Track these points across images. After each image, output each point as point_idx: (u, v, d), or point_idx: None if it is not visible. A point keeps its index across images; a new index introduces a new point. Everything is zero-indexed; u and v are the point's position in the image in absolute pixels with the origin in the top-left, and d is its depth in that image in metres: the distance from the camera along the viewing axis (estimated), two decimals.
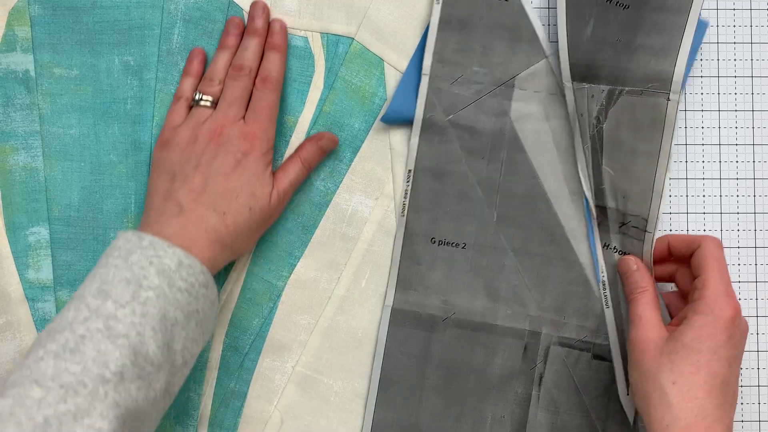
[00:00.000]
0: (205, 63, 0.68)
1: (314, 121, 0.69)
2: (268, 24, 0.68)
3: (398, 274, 0.68)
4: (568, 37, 0.66)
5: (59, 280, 0.68)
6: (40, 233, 0.68)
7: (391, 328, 0.67)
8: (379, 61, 0.69)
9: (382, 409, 0.67)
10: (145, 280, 0.55)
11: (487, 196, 0.67)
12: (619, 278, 0.65)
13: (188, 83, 0.67)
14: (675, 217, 0.69)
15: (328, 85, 0.69)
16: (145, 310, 0.54)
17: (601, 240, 0.66)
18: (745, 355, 0.68)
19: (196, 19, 0.68)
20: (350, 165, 0.69)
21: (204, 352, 0.67)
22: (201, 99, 0.65)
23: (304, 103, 0.69)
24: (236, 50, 0.67)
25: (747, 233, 0.69)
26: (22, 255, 0.68)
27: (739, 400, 0.67)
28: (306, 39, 0.69)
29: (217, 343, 0.68)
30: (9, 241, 0.68)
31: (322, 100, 0.69)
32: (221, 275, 0.68)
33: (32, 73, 0.68)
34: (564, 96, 0.66)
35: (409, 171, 0.68)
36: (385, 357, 0.67)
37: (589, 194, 0.66)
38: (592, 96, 0.65)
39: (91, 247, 0.68)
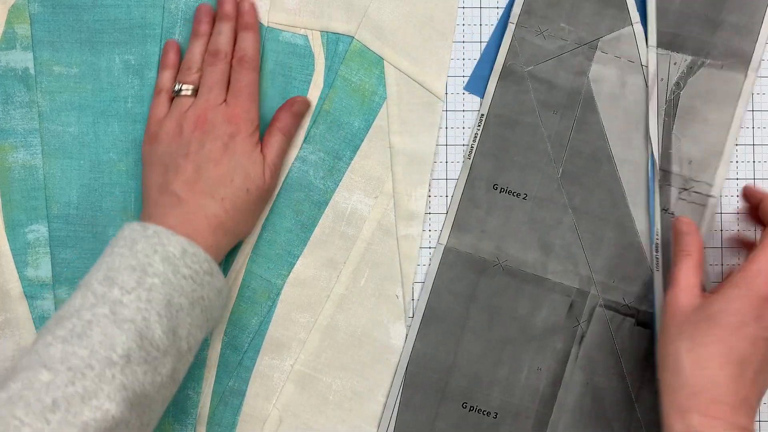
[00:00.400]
0: (181, 53, 0.68)
1: (314, 120, 0.69)
2: (236, 8, 0.68)
3: (456, 215, 0.69)
4: (657, 4, 0.68)
5: (58, 278, 0.68)
6: (39, 231, 0.68)
7: (442, 266, 0.69)
8: (379, 60, 0.69)
9: (422, 343, 0.68)
10: (150, 267, 0.56)
11: (555, 151, 0.69)
12: (671, 243, 0.66)
13: (167, 75, 0.67)
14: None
15: (328, 84, 0.69)
16: (151, 296, 0.55)
17: (661, 203, 0.67)
18: None
19: None
20: (350, 164, 0.69)
21: (202, 350, 0.67)
22: (181, 89, 0.66)
23: None
24: (209, 36, 0.67)
25: (747, 233, 0.69)
26: (21, 253, 0.68)
27: None
28: (306, 37, 0.69)
29: (215, 342, 0.68)
30: (8, 239, 0.68)
31: (322, 99, 0.69)
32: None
33: (32, 71, 0.68)
34: (642, 66, 0.68)
35: (482, 115, 0.69)
36: (432, 293, 0.68)
37: (657, 154, 0.67)
38: (675, 63, 0.68)
39: (90, 245, 0.68)
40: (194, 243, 0.58)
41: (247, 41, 0.67)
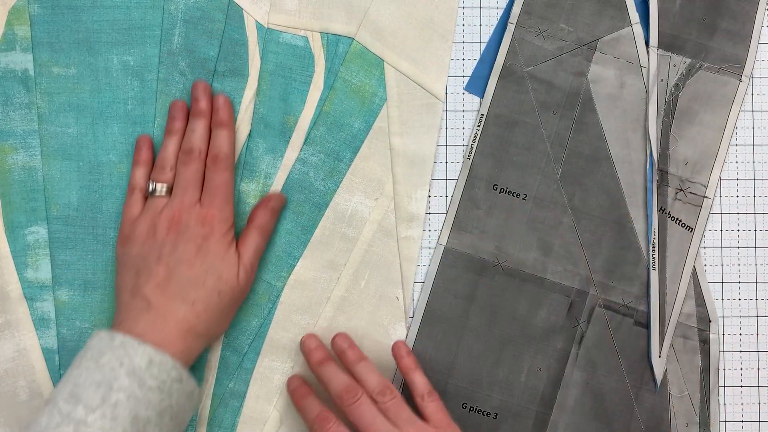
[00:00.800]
0: (153, 149, 0.68)
1: (314, 121, 0.69)
2: (210, 102, 0.67)
3: (455, 215, 0.69)
4: (659, 6, 0.69)
5: (58, 280, 0.68)
6: (38, 232, 0.68)
7: (442, 266, 0.69)
8: (379, 62, 0.69)
9: (422, 343, 0.68)
10: (116, 381, 0.56)
11: (555, 151, 0.69)
12: (667, 243, 0.67)
13: (140, 173, 0.67)
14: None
15: (329, 85, 0.69)
16: (116, 413, 0.55)
17: (658, 204, 0.68)
18: (745, 355, 0.68)
19: (196, 19, 0.68)
20: (350, 165, 0.69)
21: (203, 352, 0.67)
22: (155, 189, 0.65)
23: (305, 103, 0.69)
24: (183, 133, 0.67)
25: (747, 233, 0.69)
26: (20, 254, 0.67)
27: (738, 400, 0.68)
28: (306, 39, 0.69)
29: (216, 344, 0.68)
30: (8, 241, 0.67)
31: (322, 100, 0.69)
32: None
33: (31, 72, 0.68)
34: (641, 67, 0.69)
35: (481, 115, 0.69)
36: (432, 293, 0.69)
37: (655, 154, 0.68)
38: (674, 65, 0.68)
39: (89, 247, 0.68)
40: (162, 351, 0.58)
41: (221, 138, 0.66)
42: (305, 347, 0.66)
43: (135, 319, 0.60)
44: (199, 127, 0.66)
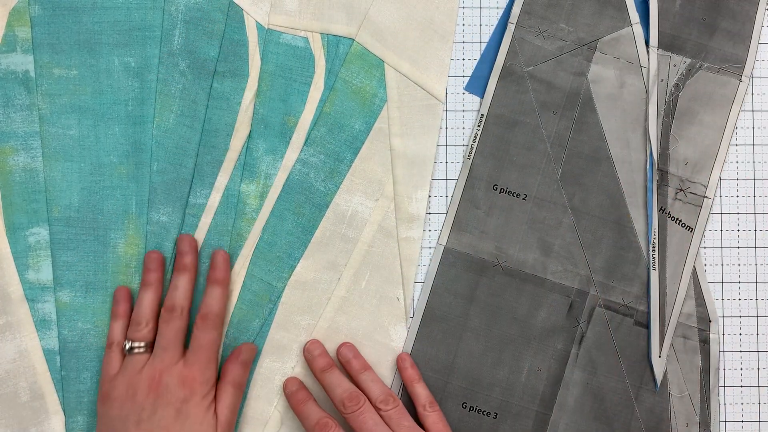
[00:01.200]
0: (132, 300, 0.67)
1: (314, 122, 0.69)
2: (196, 257, 0.67)
3: (455, 215, 0.69)
4: (659, 6, 0.69)
5: (59, 281, 0.68)
6: (40, 234, 0.68)
7: (441, 266, 0.69)
8: (380, 63, 0.69)
9: (422, 343, 0.68)
10: None
11: (555, 151, 0.69)
12: (667, 243, 0.67)
13: (118, 327, 0.66)
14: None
15: (329, 86, 0.69)
16: None
17: (658, 204, 0.68)
18: (745, 355, 0.68)
19: (196, 19, 0.68)
20: (350, 166, 0.69)
21: None
22: (133, 347, 0.64)
23: (305, 104, 0.69)
24: (159, 285, 0.66)
25: (747, 233, 0.69)
26: (22, 255, 0.68)
27: (739, 400, 0.68)
28: (306, 39, 0.69)
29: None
30: (9, 242, 0.67)
31: (323, 101, 0.69)
32: None
33: (32, 74, 0.68)
34: (641, 66, 0.69)
35: (482, 116, 0.69)
36: (432, 293, 0.69)
37: (655, 154, 0.68)
38: (674, 65, 0.68)
39: (91, 248, 0.68)
40: None
41: (214, 297, 0.65)
42: (308, 354, 0.67)
43: None
44: (182, 284, 0.65)
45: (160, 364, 0.63)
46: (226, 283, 0.66)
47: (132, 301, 0.67)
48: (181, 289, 0.65)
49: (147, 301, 0.65)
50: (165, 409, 0.61)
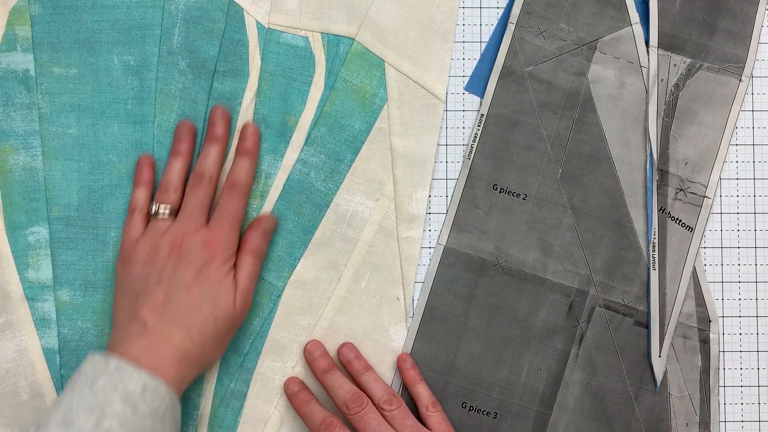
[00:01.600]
0: (155, 169, 0.68)
1: (315, 122, 0.69)
2: (228, 129, 0.68)
3: (455, 215, 0.69)
4: (659, 6, 0.69)
5: (59, 280, 0.68)
6: (39, 233, 0.68)
7: (441, 266, 0.69)
8: (380, 62, 0.69)
9: (422, 342, 0.68)
10: (109, 407, 0.55)
11: (555, 151, 0.69)
12: (667, 243, 0.67)
13: (141, 193, 0.67)
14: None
15: (329, 86, 0.69)
16: None
17: (658, 204, 0.68)
18: (745, 355, 0.68)
19: (196, 18, 0.68)
20: (351, 166, 0.69)
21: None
22: (159, 210, 0.65)
23: (305, 103, 0.69)
24: (189, 155, 0.67)
25: (747, 233, 0.69)
26: (21, 254, 0.68)
27: (738, 400, 0.68)
28: (307, 39, 0.69)
29: None
30: (9, 241, 0.67)
31: (323, 101, 0.69)
32: None
33: (32, 73, 0.68)
34: (641, 66, 0.69)
35: (482, 115, 0.69)
36: (432, 293, 0.69)
37: (655, 154, 0.68)
38: (674, 65, 0.69)
39: (90, 247, 0.68)
40: (156, 377, 0.57)
41: (243, 167, 0.66)
42: (309, 355, 0.67)
43: (131, 343, 0.59)
44: (213, 153, 0.66)
45: (184, 227, 0.63)
46: (254, 155, 0.67)
47: (155, 170, 0.68)
48: (211, 157, 0.66)
49: (176, 168, 0.66)
50: (186, 270, 0.62)
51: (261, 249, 0.66)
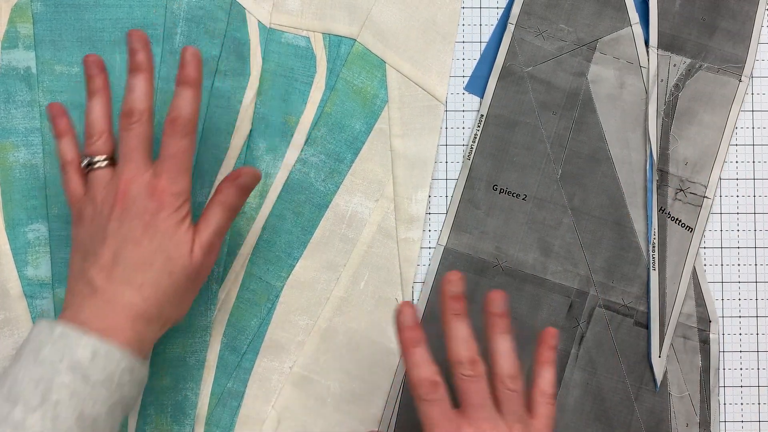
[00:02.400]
0: (68, 116, 0.63)
1: (315, 122, 0.69)
2: (152, 57, 0.60)
3: (455, 215, 0.69)
4: (659, 6, 0.69)
5: (58, 278, 0.67)
6: (39, 230, 0.68)
7: (441, 267, 0.69)
8: (381, 63, 0.69)
9: None
10: (57, 377, 0.51)
11: (554, 151, 0.69)
12: (667, 243, 0.67)
13: (65, 144, 0.61)
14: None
15: (330, 86, 0.69)
16: (57, 412, 0.50)
17: (658, 204, 0.68)
18: (745, 355, 0.68)
19: (198, 17, 0.69)
20: (351, 166, 0.69)
21: (201, 351, 0.67)
22: (92, 161, 0.59)
23: (306, 104, 0.69)
24: (106, 91, 0.61)
25: (747, 233, 0.69)
26: (21, 252, 0.67)
27: (738, 400, 0.68)
28: (308, 39, 0.69)
29: (214, 343, 0.68)
30: (8, 238, 0.67)
31: (324, 101, 0.69)
32: (220, 276, 0.68)
33: (34, 70, 0.68)
34: (641, 67, 0.69)
35: (481, 116, 0.69)
36: (432, 293, 0.68)
37: (655, 154, 0.68)
38: (674, 65, 0.69)
39: None
40: (108, 341, 0.53)
41: (184, 99, 0.58)
42: (399, 321, 0.56)
43: (79, 306, 0.55)
44: (139, 85, 0.58)
45: (126, 174, 0.57)
46: (198, 84, 0.59)
47: (69, 116, 0.62)
48: (138, 90, 0.58)
49: (97, 110, 0.60)
50: (132, 222, 0.56)
51: (232, 203, 0.60)
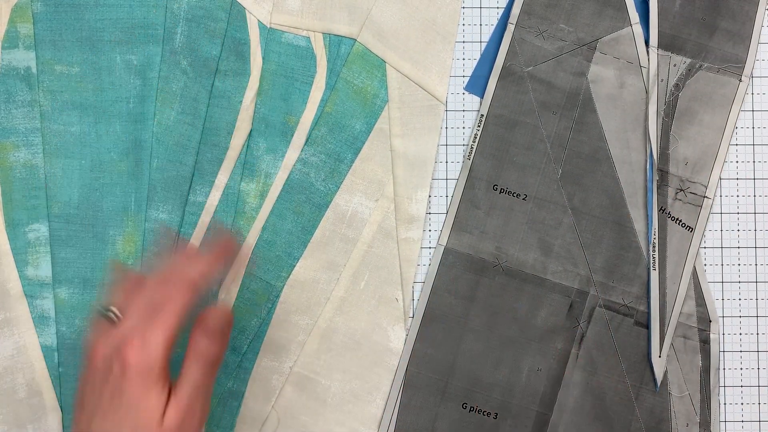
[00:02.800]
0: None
1: (315, 122, 0.69)
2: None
3: (455, 215, 0.69)
4: (659, 5, 0.69)
5: (58, 278, 0.67)
6: (39, 230, 0.68)
7: (441, 267, 0.69)
8: (381, 63, 0.69)
9: (422, 343, 0.68)
10: None
11: (555, 151, 0.69)
12: (668, 243, 0.67)
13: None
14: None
15: (330, 86, 0.69)
16: None
17: (658, 204, 0.68)
18: (745, 355, 0.68)
19: (198, 18, 0.69)
20: (351, 166, 0.69)
21: None
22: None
23: (306, 103, 0.69)
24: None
25: (747, 233, 0.69)
26: (21, 252, 0.67)
27: (739, 400, 0.68)
28: (308, 39, 0.69)
29: None
30: (8, 238, 0.67)
31: (324, 101, 0.69)
32: (219, 276, 0.68)
33: (34, 70, 0.68)
34: (641, 67, 0.69)
35: (482, 116, 0.69)
36: (432, 293, 0.68)
37: (655, 154, 0.68)
38: (674, 65, 0.69)
39: (90, 245, 0.68)
40: None
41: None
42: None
43: None
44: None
45: (110, 330, 0.53)
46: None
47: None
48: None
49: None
50: (102, 388, 0.52)
51: (207, 353, 0.54)
